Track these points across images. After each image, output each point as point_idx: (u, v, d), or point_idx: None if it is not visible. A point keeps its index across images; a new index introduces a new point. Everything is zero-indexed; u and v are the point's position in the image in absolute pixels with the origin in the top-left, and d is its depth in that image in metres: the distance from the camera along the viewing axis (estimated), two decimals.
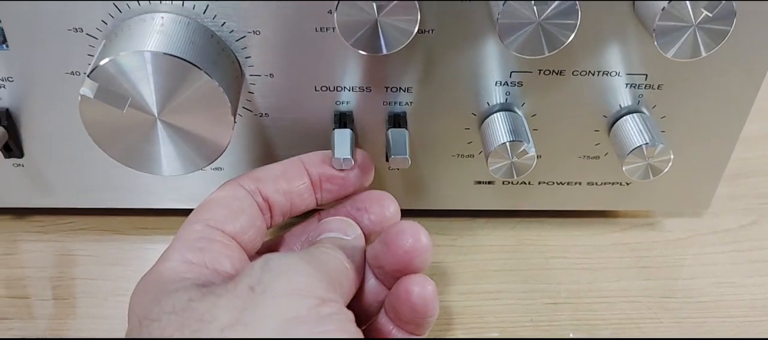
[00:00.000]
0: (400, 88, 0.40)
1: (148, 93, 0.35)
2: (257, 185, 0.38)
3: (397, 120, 0.41)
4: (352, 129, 0.41)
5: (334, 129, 0.40)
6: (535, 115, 0.42)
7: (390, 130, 0.41)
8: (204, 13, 0.37)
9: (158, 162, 0.38)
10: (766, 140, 0.57)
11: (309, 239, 0.39)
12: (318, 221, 0.40)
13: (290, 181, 0.39)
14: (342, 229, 0.38)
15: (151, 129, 0.36)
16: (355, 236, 0.38)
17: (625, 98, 0.42)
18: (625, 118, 0.42)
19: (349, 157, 0.39)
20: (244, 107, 0.41)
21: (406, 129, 0.41)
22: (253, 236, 0.37)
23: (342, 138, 0.40)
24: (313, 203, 0.40)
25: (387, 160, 0.41)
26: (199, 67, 0.35)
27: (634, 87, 0.41)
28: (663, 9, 0.35)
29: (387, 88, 0.40)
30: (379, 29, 0.34)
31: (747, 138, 0.55)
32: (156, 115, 0.36)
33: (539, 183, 0.46)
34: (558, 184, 0.46)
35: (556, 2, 0.34)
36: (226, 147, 0.37)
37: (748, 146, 0.56)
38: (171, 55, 0.34)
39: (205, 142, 0.37)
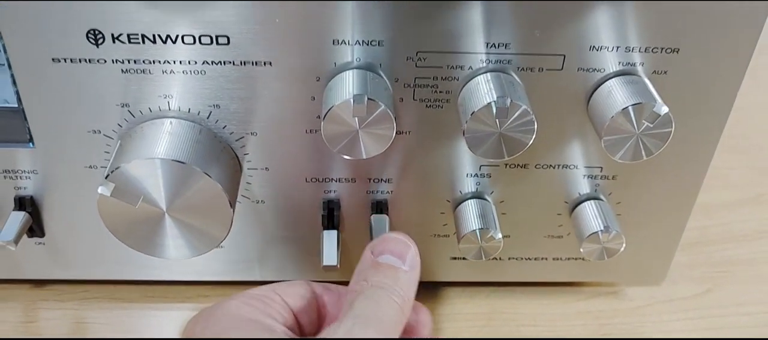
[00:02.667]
0: (382, 179, 0.45)
1: (158, 192, 0.40)
2: (322, 291, 0.42)
3: (379, 206, 0.46)
4: (338, 216, 0.46)
5: (323, 230, 0.46)
6: (503, 201, 0.47)
7: (372, 216, 0.46)
8: (207, 118, 0.42)
9: (166, 248, 0.43)
10: (724, 208, 0.62)
11: (371, 252, 0.39)
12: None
13: None
14: (400, 253, 0.39)
15: (160, 222, 0.41)
16: (411, 265, 0.39)
17: (583, 187, 0.46)
18: (583, 204, 0.47)
19: (335, 264, 0.45)
20: (242, 195, 0.46)
21: (387, 214, 0.46)
22: (306, 321, 0.40)
23: (330, 241, 0.45)
24: None
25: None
26: (203, 172, 0.40)
27: (592, 177, 0.46)
28: (611, 118, 0.39)
29: (370, 179, 0.45)
30: (360, 139, 0.39)
31: (706, 206, 0.60)
32: (165, 210, 0.41)
33: (509, 259, 0.50)
34: (526, 259, 0.50)
35: (516, 113, 0.39)
36: (226, 236, 0.42)
37: (707, 214, 0.61)
38: (179, 161, 0.39)
39: (207, 232, 0.42)
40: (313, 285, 0.41)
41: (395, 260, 0.39)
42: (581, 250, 0.46)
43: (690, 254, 0.57)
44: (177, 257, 0.43)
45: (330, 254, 0.45)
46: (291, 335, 0.37)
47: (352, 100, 0.37)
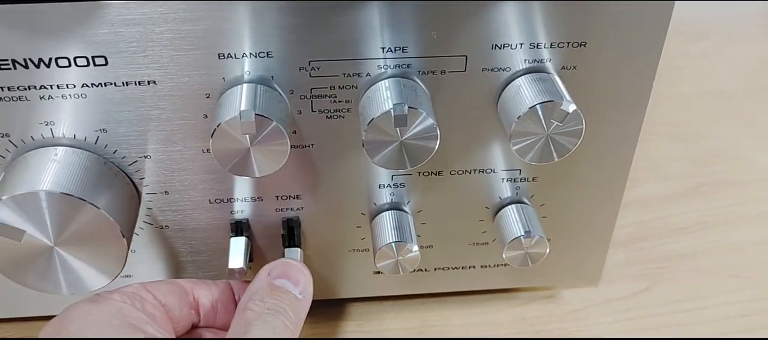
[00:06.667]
0: (290, 195, 0.43)
1: (44, 226, 0.38)
2: (192, 287, 0.41)
3: (291, 224, 0.44)
4: (247, 236, 0.44)
5: (231, 237, 0.43)
6: (421, 211, 0.45)
7: (286, 250, 0.43)
8: (95, 143, 0.39)
9: (59, 285, 0.40)
10: (663, 201, 0.60)
11: (268, 274, 0.40)
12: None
13: (222, 293, 0.42)
14: (296, 280, 0.40)
15: (49, 257, 0.39)
16: (304, 294, 0.40)
17: (504, 191, 0.44)
18: (505, 209, 0.45)
19: (243, 267, 0.42)
20: (144, 221, 0.43)
21: (300, 232, 0.44)
22: (178, 316, 0.39)
23: (237, 247, 0.43)
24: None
25: None
26: (90, 203, 0.37)
27: (511, 181, 0.44)
28: (518, 118, 0.37)
29: (278, 196, 0.43)
30: (252, 157, 0.37)
31: (644, 200, 0.58)
32: (52, 244, 0.38)
33: (435, 269, 0.48)
34: (453, 268, 0.48)
35: (416, 121, 0.36)
36: (123, 268, 0.40)
37: (646, 208, 0.59)
38: (64, 193, 0.37)
39: (102, 264, 0.40)
40: (181, 282, 0.41)
41: (291, 285, 0.39)
42: (504, 256, 0.44)
43: (627, 251, 0.55)
44: (72, 293, 0.40)
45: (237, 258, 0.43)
46: (163, 333, 0.37)
47: (239, 117, 0.35)
